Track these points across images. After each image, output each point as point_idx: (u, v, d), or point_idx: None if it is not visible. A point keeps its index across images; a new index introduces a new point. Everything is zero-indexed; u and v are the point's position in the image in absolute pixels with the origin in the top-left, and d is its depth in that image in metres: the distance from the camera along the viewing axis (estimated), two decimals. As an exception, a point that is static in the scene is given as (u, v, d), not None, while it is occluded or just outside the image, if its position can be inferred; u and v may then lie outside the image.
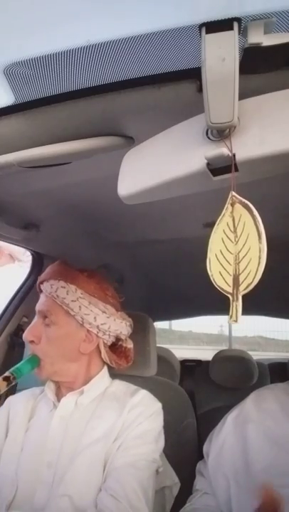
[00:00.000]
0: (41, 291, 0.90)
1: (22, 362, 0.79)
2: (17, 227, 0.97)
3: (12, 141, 0.55)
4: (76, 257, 1.39)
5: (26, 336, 0.83)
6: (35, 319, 0.87)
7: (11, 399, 0.93)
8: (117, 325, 0.88)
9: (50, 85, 0.46)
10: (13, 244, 1.16)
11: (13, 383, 0.76)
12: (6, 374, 0.75)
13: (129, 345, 0.93)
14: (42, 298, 0.88)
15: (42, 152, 0.53)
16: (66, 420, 0.81)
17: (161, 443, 0.81)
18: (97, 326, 0.85)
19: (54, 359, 0.82)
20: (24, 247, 1.26)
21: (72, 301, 0.83)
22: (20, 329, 1.32)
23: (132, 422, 0.78)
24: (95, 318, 0.84)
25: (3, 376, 0.75)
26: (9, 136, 0.54)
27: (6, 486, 0.76)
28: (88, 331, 0.85)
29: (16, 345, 1.30)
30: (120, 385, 0.89)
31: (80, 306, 0.83)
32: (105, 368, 0.90)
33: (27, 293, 1.33)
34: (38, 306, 0.87)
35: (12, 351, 1.30)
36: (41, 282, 0.89)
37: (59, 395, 0.87)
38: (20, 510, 0.72)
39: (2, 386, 0.73)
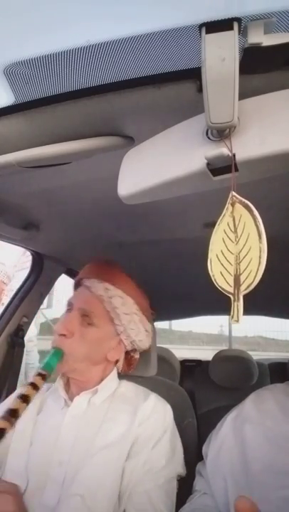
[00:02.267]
0: (80, 285, 0.88)
1: (49, 357, 0.77)
2: (17, 227, 0.97)
3: (12, 141, 0.55)
4: (76, 257, 1.39)
5: (59, 328, 0.80)
6: (71, 313, 0.84)
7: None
8: (148, 342, 0.90)
9: (50, 85, 0.46)
10: (13, 244, 1.16)
11: (47, 378, 0.75)
12: (40, 371, 0.74)
13: (137, 355, 0.94)
14: (86, 296, 0.85)
15: (42, 152, 0.53)
16: (78, 419, 0.81)
17: (180, 450, 0.82)
18: (134, 341, 0.86)
19: (79, 358, 0.81)
20: (24, 247, 1.26)
21: (125, 313, 0.83)
22: (20, 329, 1.32)
23: (150, 436, 0.78)
24: (137, 334, 0.86)
25: (37, 374, 0.73)
26: (9, 136, 0.54)
27: (16, 480, 0.74)
28: (121, 340, 0.86)
29: (16, 345, 1.30)
30: (128, 386, 0.90)
31: (130, 321, 0.84)
32: (115, 369, 0.91)
33: (27, 293, 1.33)
34: (80, 303, 0.84)
35: (12, 351, 1.30)
36: (87, 278, 0.87)
37: (68, 393, 0.86)
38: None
39: (40, 383, 0.72)
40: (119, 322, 0.84)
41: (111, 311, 0.83)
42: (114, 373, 0.90)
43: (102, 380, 0.86)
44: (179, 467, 0.80)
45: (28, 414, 0.84)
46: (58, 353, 0.79)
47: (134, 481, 0.74)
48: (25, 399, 0.68)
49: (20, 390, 0.70)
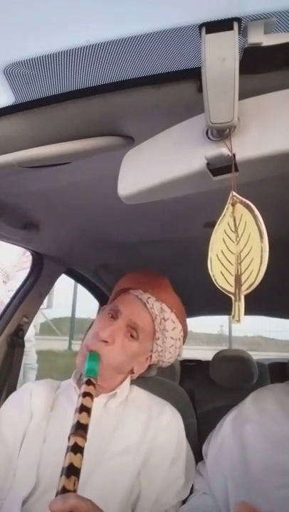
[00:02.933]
0: (126, 293, 0.87)
1: (88, 363, 0.75)
2: (17, 227, 0.97)
3: (12, 141, 0.55)
4: (76, 257, 1.39)
5: (104, 335, 0.78)
6: (117, 321, 0.82)
7: (31, 386, 0.90)
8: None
9: (50, 85, 0.46)
10: (13, 244, 1.16)
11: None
12: (90, 379, 0.71)
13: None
14: (140, 309, 0.83)
15: (42, 152, 0.53)
16: (93, 422, 0.79)
17: (193, 462, 0.84)
18: (161, 361, 0.87)
19: (112, 366, 0.79)
20: (24, 247, 1.26)
21: (172, 338, 0.84)
22: (20, 329, 1.32)
23: (167, 452, 0.78)
24: (170, 357, 0.87)
25: (86, 381, 0.70)
26: (9, 136, 0.54)
27: (26, 478, 0.72)
28: (150, 356, 0.87)
29: (15, 345, 1.30)
30: (140, 392, 0.89)
31: (172, 345, 0.85)
32: (129, 375, 0.90)
33: (27, 293, 1.33)
34: (132, 315, 0.82)
35: (12, 351, 1.30)
36: (143, 291, 0.85)
37: None
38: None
39: (93, 391, 0.69)
40: (161, 343, 0.84)
41: (159, 331, 0.83)
42: (129, 378, 0.89)
43: (118, 385, 0.86)
44: (194, 477, 0.81)
45: (41, 412, 0.82)
46: (96, 356, 0.77)
47: (153, 498, 0.74)
48: (89, 412, 0.65)
49: (79, 401, 0.66)
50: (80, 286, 1.80)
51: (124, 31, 0.38)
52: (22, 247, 1.24)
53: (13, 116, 0.52)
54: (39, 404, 0.83)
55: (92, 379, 0.71)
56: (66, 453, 0.57)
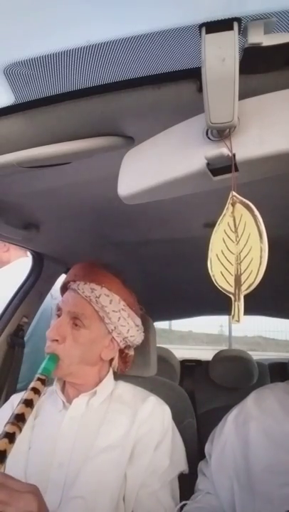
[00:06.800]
0: (66, 289, 0.89)
1: (45, 362, 0.78)
2: (17, 227, 0.97)
3: (12, 141, 0.55)
4: (76, 257, 1.39)
5: (51, 334, 0.81)
6: (61, 318, 0.84)
7: (14, 397, 0.92)
8: (140, 337, 0.91)
9: (50, 85, 0.46)
10: (13, 244, 1.16)
11: (46, 382, 0.76)
12: (39, 376, 0.74)
13: (131, 352, 0.94)
14: (74, 298, 0.85)
15: (42, 152, 0.53)
16: (77, 421, 0.81)
17: (181, 448, 0.84)
18: (126, 338, 0.87)
19: (74, 361, 0.81)
20: (24, 247, 1.26)
21: (114, 311, 0.84)
22: (20, 329, 1.32)
23: (151, 440, 0.79)
24: (128, 330, 0.86)
25: (37, 379, 0.73)
26: (9, 136, 0.54)
27: None
28: (113, 338, 0.86)
29: (16, 345, 1.31)
30: (126, 387, 0.90)
31: (119, 318, 0.84)
32: (111, 370, 0.91)
33: (27, 293, 1.33)
34: (69, 307, 0.84)
35: (12, 351, 1.30)
36: (73, 281, 0.88)
37: (65, 395, 0.87)
38: None
39: (41, 387, 0.72)
40: (109, 320, 0.84)
41: (100, 310, 0.83)
42: (110, 374, 0.90)
43: (98, 381, 0.87)
44: (182, 465, 0.82)
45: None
46: (53, 358, 0.79)
47: (139, 483, 0.75)
48: (28, 403, 0.68)
49: (22, 395, 0.70)
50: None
51: (124, 31, 0.37)
52: (22, 247, 1.24)
53: (13, 116, 0.52)
54: None
55: (41, 376, 0.74)
56: None
